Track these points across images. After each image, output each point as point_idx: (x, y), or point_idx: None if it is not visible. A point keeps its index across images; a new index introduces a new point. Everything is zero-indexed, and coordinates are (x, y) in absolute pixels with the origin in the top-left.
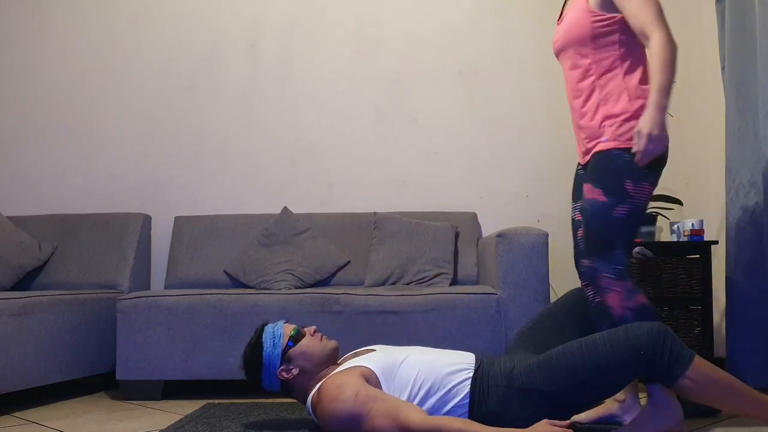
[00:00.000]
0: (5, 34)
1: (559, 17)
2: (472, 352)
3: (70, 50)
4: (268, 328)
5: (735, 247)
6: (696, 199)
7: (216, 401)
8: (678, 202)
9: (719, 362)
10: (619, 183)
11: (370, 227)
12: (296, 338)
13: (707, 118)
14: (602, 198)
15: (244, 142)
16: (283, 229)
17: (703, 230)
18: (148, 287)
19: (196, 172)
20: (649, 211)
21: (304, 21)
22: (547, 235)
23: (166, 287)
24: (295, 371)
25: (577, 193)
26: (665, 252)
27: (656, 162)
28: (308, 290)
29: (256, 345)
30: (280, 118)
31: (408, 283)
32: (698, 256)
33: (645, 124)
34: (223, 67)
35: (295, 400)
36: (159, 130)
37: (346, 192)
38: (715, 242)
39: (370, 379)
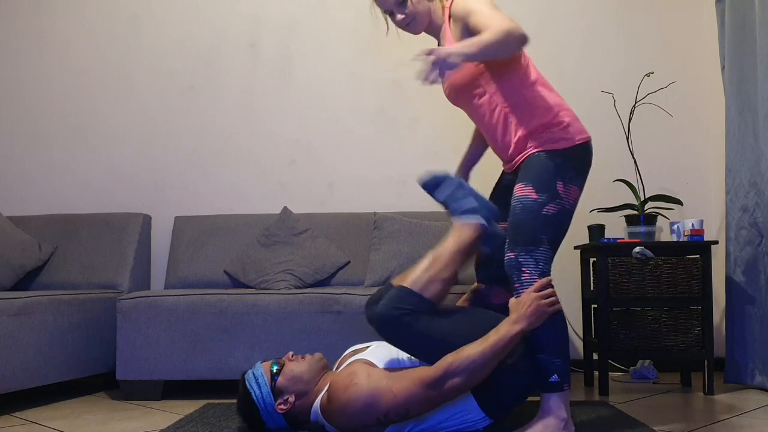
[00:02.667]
0: (5, 33)
1: None
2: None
3: (70, 50)
4: (248, 375)
5: (735, 247)
6: (696, 199)
7: (216, 401)
8: (678, 202)
9: (719, 362)
10: (550, 182)
11: (370, 227)
12: (278, 370)
13: (707, 118)
14: (534, 195)
15: (244, 142)
16: (283, 229)
17: (703, 230)
18: (148, 287)
19: (197, 172)
20: (648, 211)
21: (304, 21)
22: None
23: (166, 287)
24: (291, 399)
25: (495, 197)
26: (665, 252)
27: (584, 166)
28: (308, 290)
29: (245, 395)
30: (280, 117)
31: None
32: (698, 256)
33: (449, 49)
34: (223, 67)
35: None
36: (159, 129)
37: (346, 192)
38: (715, 242)
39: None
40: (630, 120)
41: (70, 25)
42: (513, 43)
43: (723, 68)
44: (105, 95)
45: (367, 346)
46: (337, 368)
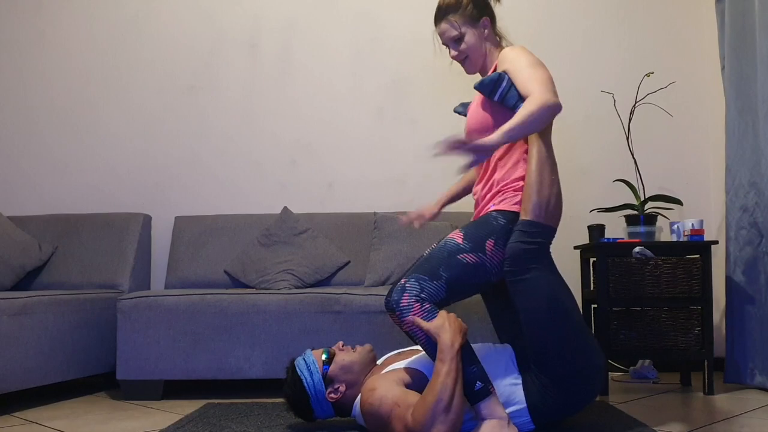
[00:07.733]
0: (6, 33)
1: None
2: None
3: (71, 50)
4: (299, 361)
5: (735, 247)
6: (696, 199)
7: (216, 401)
8: (678, 202)
9: (719, 362)
10: (482, 236)
11: (370, 227)
12: (329, 359)
13: (707, 118)
14: (459, 240)
15: (244, 142)
16: (283, 229)
17: (703, 230)
18: (148, 287)
19: (197, 172)
20: (648, 211)
21: (305, 21)
22: None
23: (166, 287)
24: (342, 388)
25: None
26: (665, 252)
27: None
28: (308, 290)
29: (294, 381)
30: (280, 117)
31: None
32: (698, 256)
33: (488, 140)
34: (223, 67)
35: None
36: (159, 129)
37: (346, 192)
38: (715, 242)
39: (408, 381)
40: (630, 120)
41: (70, 24)
42: (547, 116)
43: (723, 68)
44: (105, 95)
45: (416, 350)
46: (380, 365)
